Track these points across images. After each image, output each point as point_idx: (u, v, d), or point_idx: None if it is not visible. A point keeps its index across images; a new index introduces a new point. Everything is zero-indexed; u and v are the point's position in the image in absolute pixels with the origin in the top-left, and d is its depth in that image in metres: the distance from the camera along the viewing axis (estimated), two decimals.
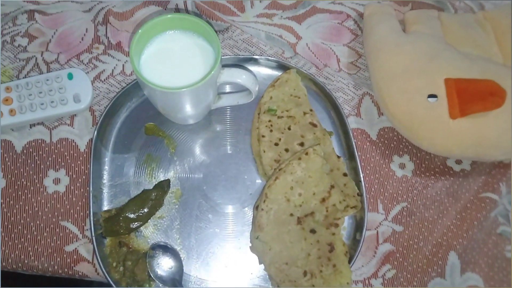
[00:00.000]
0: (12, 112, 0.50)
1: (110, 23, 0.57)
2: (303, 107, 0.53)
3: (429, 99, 0.48)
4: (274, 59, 0.55)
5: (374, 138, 0.54)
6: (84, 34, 0.56)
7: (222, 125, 0.54)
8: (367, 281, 0.48)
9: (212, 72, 0.42)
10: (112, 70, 0.55)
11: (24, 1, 0.58)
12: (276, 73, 0.55)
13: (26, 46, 0.55)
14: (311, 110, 0.53)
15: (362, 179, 0.50)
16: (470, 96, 0.47)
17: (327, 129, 0.53)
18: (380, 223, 0.50)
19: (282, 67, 0.55)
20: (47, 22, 0.57)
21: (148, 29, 0.44)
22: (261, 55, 0.56)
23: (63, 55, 0.55)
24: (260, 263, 0.47)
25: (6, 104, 0.50)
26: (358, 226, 0.49)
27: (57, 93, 0.51)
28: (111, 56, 0.56)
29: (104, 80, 0.54)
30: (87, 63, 0.55)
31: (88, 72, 0.54)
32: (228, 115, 0.54)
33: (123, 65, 0.55)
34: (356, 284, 0.48)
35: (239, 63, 0.55)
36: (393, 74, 0.51)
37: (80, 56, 0.55)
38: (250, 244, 0.48)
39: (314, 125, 0.52)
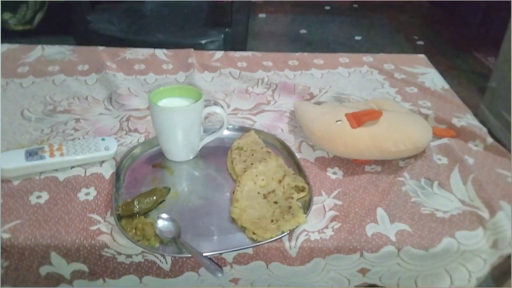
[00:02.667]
0: (61, 154, 0.73)
1: (130, 120, 0.87)
2: (261, 145, 0.79)
3: (337, 122, 0.76)
4: (240, 125, 0.84)
5: (312, 161, 0.78)
6: (113, 127, 0.85)
7: (206, 160, 0.77)
8: (321, 231, 0.63)
9: (199, 100, 0.71)
10: (131, 141, 0.81)
11: (73, 114, 0.89)
12: (240, 133, 0.83)
13: (72, 134, 0.83)
14: (266, 147, 0.79)
15: (306, 176, 0.71)
16: (361, 116, 0.76)
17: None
18: (324, 200, 0.69)
19: (245, 130, 0.84)
20: (88, 123, 0.86)
21: (158, 92, 0.74)
22: (230, 125, 0.85)
23: (97, 136, 0.82)
24: (239, 225, 0.63)
25: (58, 151, 0.73)
26: (307, 206, 0.67)
27: (94, 145, 0.76)
28: (130, 135, 0.83)
29: (125, 145, 0.80)
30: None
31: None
32: (209, 156, 0.78)
33: (138, 139, 0.82)
34: (313, 233, 0.63)
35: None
36: (314, 117, 0.80)
37: (109, 136, 0.82)
38: (231, 212, 0.64)
39: (269, 153, 0.77)
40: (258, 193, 0.67)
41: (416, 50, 2.81)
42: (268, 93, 0.99)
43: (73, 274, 0.63)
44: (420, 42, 2.97)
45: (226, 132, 0.83)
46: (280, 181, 0.69)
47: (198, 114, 0.73)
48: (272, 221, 0.62)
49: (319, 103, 0.92)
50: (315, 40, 2.96)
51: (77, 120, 0.87)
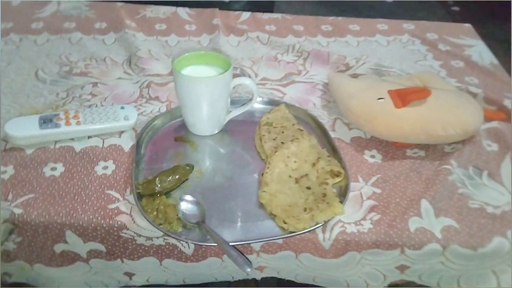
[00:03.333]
0: (78, 122, 0.67)
1: (151, 87, 0.81)
2: (292, 121, 0.72)
3: (379, 100, 0.69)
4: (269, 98, 0.77)
5: (348, 142, 0.71)
6: (132, 94, 0.79)
7: (232, 136, 0.71)
8: (358, 222, 0.57)
9: (228, 70, 0.64)
10: (151, 110, 0.75)
11: (90, 77, 0.83)
12: (270, 107, 0.77)
13: (90, 99, 0.77)
14: (298, 123, 0.72)
15: (342, 158, 0.65)
16: (406, 94, 0.68)
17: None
18: (361, 187, 0.63)
19: (275, 103, 0.77)
20: (106, 88, 0.80)
21: (184, 58, 0.67)
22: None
23: (116, 103, 0.76)
24: (268, 211, 0.58)
25: (74, 119, 0.68)
26: (343, 192, 0.61)
27: (112, 114, 0.70)
28: (151, 104, 0.77)
29: (146, 115, 0.74)
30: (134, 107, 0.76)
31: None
32: (236, 131, 0.72)
33: (159, 108, 0.76)
34: (349, 225, 0.57)
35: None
36: (352, 92, 0.73)
37: (129, 104, 0.77)
38: (259, 196, 0.59)
39: (301, 130, 0.70)
40: (290, 176, 0.61)
41: (450, 17, 2.64)
42: (299, 61, 0.91)
43: (89, 253, 0.59)
44: (455, 8, 2.78)
45: (254, 105, 0.76)
46: (313, 164, 0.63)
47: (226, 85, 0.66)
48: (305, 209, 0.56)
49: (355, 76, 0.84)
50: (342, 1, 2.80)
51: (95, 84, 0.81)
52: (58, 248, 0.59)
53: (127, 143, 0.68)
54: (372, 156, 0.68)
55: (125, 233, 0.57)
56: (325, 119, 0.76)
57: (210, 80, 0.63)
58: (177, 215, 0.56)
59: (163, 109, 0.76)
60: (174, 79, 0.66)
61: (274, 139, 0.68)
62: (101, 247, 0.58)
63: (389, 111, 0.67)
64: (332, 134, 0.72)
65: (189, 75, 0.63)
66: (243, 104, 0.71)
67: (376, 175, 0.65)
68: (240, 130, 0.72)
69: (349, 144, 0.71)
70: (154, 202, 0.57)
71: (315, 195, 0.58)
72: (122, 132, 0.70)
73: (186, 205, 0.57)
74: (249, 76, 0.73)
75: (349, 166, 0.66)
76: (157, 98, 0.78)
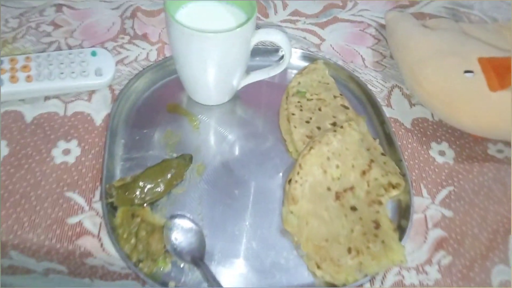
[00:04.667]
0: (29, 78, 0.47)
1: (137, 17, 0.57)
2: (333, 91, 0.51)
3: (466, 74, 0.47)
4: (302, 50, 0.55)
5: (408, 127, 0.51)
6: (111, 26, 0.56)
7: (248, 108, 0.51)
8: (420, 268, 0.41)
9: (249, 21, 0.41)
10: (136, 57, 0.54)
11: None
12: (303, 64, 0.55)
13: (50, 32, 0.55)
14: (341, 95, 0.51)
15: (403, 159, 0.46)
16: (506, 70, 0.46)
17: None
18: (427, 207, 0.45)
19: (309, 59, 0.55)
20: (74, 15, 0.57)
21: None
22: None
23: (87, 42, 0.54)
24: (295, 242, 0.41)
25: (24, 71, 0.47)
26: (402, 211, 0.44)
27: (79, 66, 0.49)
28: (136, 45, 0.55)
29: (128, 64, 0.53)
30: (111, 50, 0.54)
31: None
32: (253, 99, 0.51)
33: (147, 53, 0.54)
34: (408, 272, 0.40)
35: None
36: (425, 56, 0.50)
37: (104, 43, 0.55)
38: (283, 220, 0.42)
39: (346, 107, 0.50)
40: (329, 189, 0.43)
41: None
42: None
43: (47, 270, 0.43)
44: None
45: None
46: (363, 173, 0.44)
47: (245, 43, 0.43)
48: (349, 250, 0.39)
49: (423, 17, 0.60)
50: None
51: (59, 8, 0.58)
52: (5, 262, 0.43)
53: (99, 110, 0.48)
54: (442, 153, 0.49)
55: (92, 261, 0.40)
56: (377, 86, 0.54)
57: (221, 37, 0.41)
58: (164, 247, 0.39)
59: (153, 56, 0.54)
60: (166, 25, 0.43)
61: (307, 122, 0.48)
62: (61, 268, 0.42)
63: (481, 96, 0.46)
64: (387, 112, 0.51)
65: (189, 27, 0.40)
66: (267, 67, 0.49)
67: (447, 187, 0.46)
68: (259, 97, 0.52)
69: (410, 131, 0.50)
70: (133, 221, 0.40)
71: (364, 224, 0.41)
72: (93, 92, 0.50)
73: (179, 232, 0.40)
74: (277, 29, 0.48)
75: (410, 167, 0.47)
76: (145, 37, 0.56)
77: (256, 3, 0.43)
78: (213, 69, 0.44)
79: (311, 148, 0.44)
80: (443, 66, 0.48)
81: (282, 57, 0.47)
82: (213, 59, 0.43)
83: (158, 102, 0.50)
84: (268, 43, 0.54)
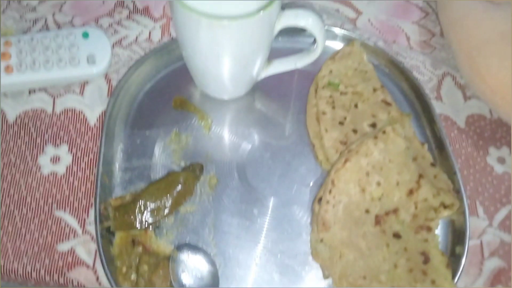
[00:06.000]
0: (8, 69, 0.39)
1: None
2: (372, 82, 0.42)
3: None
4: (334, 28, 0.45)
5: (462, 126, 0.42)
6: None
7: (268, 102, 0.43)
8: None
9: (273, 4, 0.32)
10: (136, 37, 0.45)
11: None
12: (335, 46, 0.45)
13: (35, 6, 0.46)
14: (381, 87, 0.42)
15: (457, 171, 0.38)
16: None
17: (403, 110, 0.42)
18: (483, 230, 0.37)
19: (343, 39, 0.45)
20: None
21: None
22: None
23: (78, 18, 0.46)
24: (325, 276, 0.34)
25: (3, 60, 0.39)
26: (455, 234, 0.36)
27: (68, 51, 0.41)
28: (136, 21, 0.46)
29: (126, 47, 0.44)
30: (107, 28, 0.45)
31: (107, 37, 0.45)
32: (275, 91, 0.43)
33: (149, 32, 0.46)
34: None
35: None
36: (488, 41, 0.40)
37: (99, 19, 0.46)
38: (311, 250, 0.35)
39: (388, 104, 0.41)
40: (367, 212, 0.35)
41: None
42: None
43: None
44: None
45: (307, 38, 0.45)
46: (410, 192, 0.36)
47: (268, 29, 0.35)
48: None
49: None
50: None
51: None
52: None
53: (93, 106, 0.41)
54: (501, 160, 0.41)
55: None
56: (425, 73, 0.45)
57: (238, 25, 0.32)
58: (170, 285, 0.33)
59: (156, 35, 0.45)
60: (171, 8, 0.34)
61: (341, 123, 0.40)
62: None
63: None
64: (437, 107, 0.43)
65: (197, 10, 0.31)
66: (293, 51, 0.40)
67: (507, 206, 0.38)
68: (283, 89, 0.43)
69: (464, 131, 0.42)
70: (133, 250, 0.34)
71: (410, 256, 0.34)
72: (85, 83, 0.42)
73: (187, 266, 0.33)
74: (308, 10, 0.36)
75: (464, 180, 0.39)
76: (146, 11, 0.47)
77: None
78: (228, 60, 0.36)
79: (346, 160, 0.36)
80: (511, 54, 0.39)
81: (314, 41, 0.38)
82: (228, 50, 0.34)
83: (162, 95, 0.42)
84: None
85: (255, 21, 0.32)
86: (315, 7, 0.49)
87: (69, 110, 0.40)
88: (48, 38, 0.41)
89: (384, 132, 0.37)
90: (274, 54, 0.40)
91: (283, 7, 0.35)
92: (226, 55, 0.35)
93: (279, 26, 0.35)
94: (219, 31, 0.32)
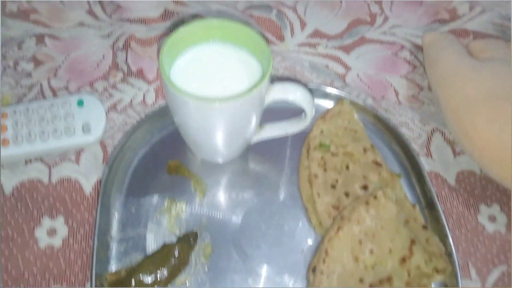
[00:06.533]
0: (4, 142, 0.40)
1: (131, 49, 0.49)
2: (362, 142, 0.43)
3: None
4: (324, 87, 0.46)
5: (452, 184, 0.43)
6: (101, 60, 0.48)
7: (262, 164, 0.43)
8: None
9: (262, 84, 0.33)
10: (131, 100, 0.46)
11: (33, 23, 0.51)
12: (325, 105, 0.46)
13: (30, 72, 0.47)
14: (372, 146, 0.43)
15: (448, 233, 0.38)
16: None
17: (393, 170, 0.43)
18: None
19: (333, 97, 0.46)
20: (58, 47, 0.49)
21: (182, 35, 0.36)
22: (306, 83, 0.47)
23: (73, 82, 0.47)
24: None
25: None
26: None
27: (63, 121, 0.41)
28: (131, 84, 0.47)
29: (121, 111, 0.45)
30: (101, 92, 0.46)
31: (102, 102, 0.45)
32: (268, 152, 0.44)
33: (144, 95, 0.46)
34: None
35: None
36: (474, 100, 0.41)
37: (94, 83, 0.47)
38: None
39: (379, 164, 0.42)
40: (361, 281, 0.36)
41: None
42: None
43: None
44: None
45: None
46: (403, 260, 0.36)
47: (258, 104, 0.35)
48: None
49: (467, 35, 0.51)
50: None
51: (40, 39, 0.50)
52: None
53: (89, 175, 0.41)
54: (492, 219, 0.41)
55: None
56: (414, 129, 0.46)
57: (228, 105, 0.33)
58: None
59: (150, 97, 0.46)
60: (164, 88, 0.35)
61: (333, 187, 0.40)
62: None
63: None
64: (426, 164, 0.43)
65: (187, 93, 0.32)
66: (286, 122, 0.41)
67: (500, 266, 0.39)
68: (276, 149, 0.44)
69: (455, 189, 0.43)
70: None
71: None
72: (81, 150, 0.43)
73: None
74: (296, 84, 0.36)
75: (455, 240, 0.39)
76: (140, 73, 0.48)
77: (271, 55, 0.34)
78: (219, 134, 0.37)
79: (339, 228, 0.37)
80: (498, 116, 0.40)
81: (301, 117, 0.39)
82: (219, 126, 0.35)
83: (157, 160, 0.42)
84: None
85: (245, 101, 0.33)
86: (305, 64, 0.50)
87: (65, 180, 0.41)
88: (43, 107, 0.42)
89: (375, 197, 0.38)
90: (265, 118, 0.41)
91: (272, 78, 0.36)
92: (218, 130, 0.36)
93: (269, 100, 0.36)
94: (210, 112, 0.33)
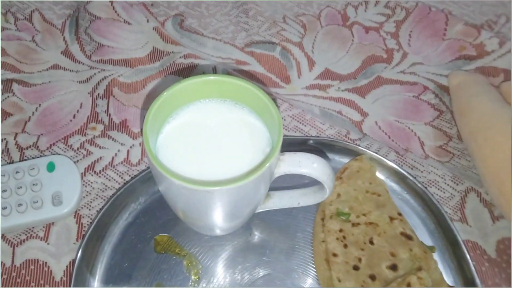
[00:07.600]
0: None
1: (114, 96, 0.42)
2: (388, 209, 0.36)
3: None
4: (339, 141, 0.40)
5: (493, 256, 0.36)
6: (78, 110, 0.42)
7: (268, 236, 0.36)
8: None
9: (270, 162, 0.26)
10: (113, 158, 0.39)
11: (4, 66, 0.44)
12: (341, 160, 0.40)
13: None
14: (399, 214, 0.36)
15: None
16: None
17: (424, 242, 0.36)
18: None
19: (350, 152, 0.40)
20: (29, 94, 0.42)
21: (172, 96, 0.29)
22: (318, 136, 0.41)
23: (45, 138, 0.40)
24: None
25: None
26: None
27: (29, 192, 0.34)
28: (112, 139, 0.40)
29: (100, 173, 0.38)
30: (77, 149, 0.39)
31: (78, 161, 0.38)
32: (275, 220, 0.37)
33: (128, 151, 0.40)
34: None
35: (289, 148, 0.39)
36: None
37: (68, 139, 0.40)
38: None
39: (409, 237, 0.35)
40: None
41: None
42: (387, 27, 0.50)
43: None
44: None
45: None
46: None
47: (265, 182, 0.29)
48: None
49: (497, 73, 0.45)
50: None
51: (7, 86, 0.43)
52: None
53: (59, 256, 0.34)
54: None
55: None
56: (446, 189, 0.39)
57: (229, 189, 0.26)
58: None
59: (136, 155, 0.39)
60: (149, 164, 0.29)
61: (355, 269, 0.33)
62: None
63: None
64: (462, 232, 0.37)
65: (178, 176, 0.26)
66: (296, 190, 0.34)
67: None
68: (285, 217, 0.37)
69: (495, 262, 0.36)
70: None
71: None
72: (52, 224, 0.36)
73: None
74: (310, 155, 0.28)
75: None
76: (124, 126, 0.41)
77: (281, 120, 0.28)
78: (218, 214, 0.30)
79: None
80: None
81: (318, 189, 0.32)
82: (218, 209, 0.28)
83: (142, 235, 0.35)
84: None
85: (250, 182, 0.26)
86: (315, 111, 0.43)
87: (31, 262, 0.34)
88: (6, 175, 0.35)
89: (409, 285, 0.31)
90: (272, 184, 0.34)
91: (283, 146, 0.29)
92: (216, 212, 0.29)
93: (279, 173, 0.29)
94: (207, 196, 0.26)
